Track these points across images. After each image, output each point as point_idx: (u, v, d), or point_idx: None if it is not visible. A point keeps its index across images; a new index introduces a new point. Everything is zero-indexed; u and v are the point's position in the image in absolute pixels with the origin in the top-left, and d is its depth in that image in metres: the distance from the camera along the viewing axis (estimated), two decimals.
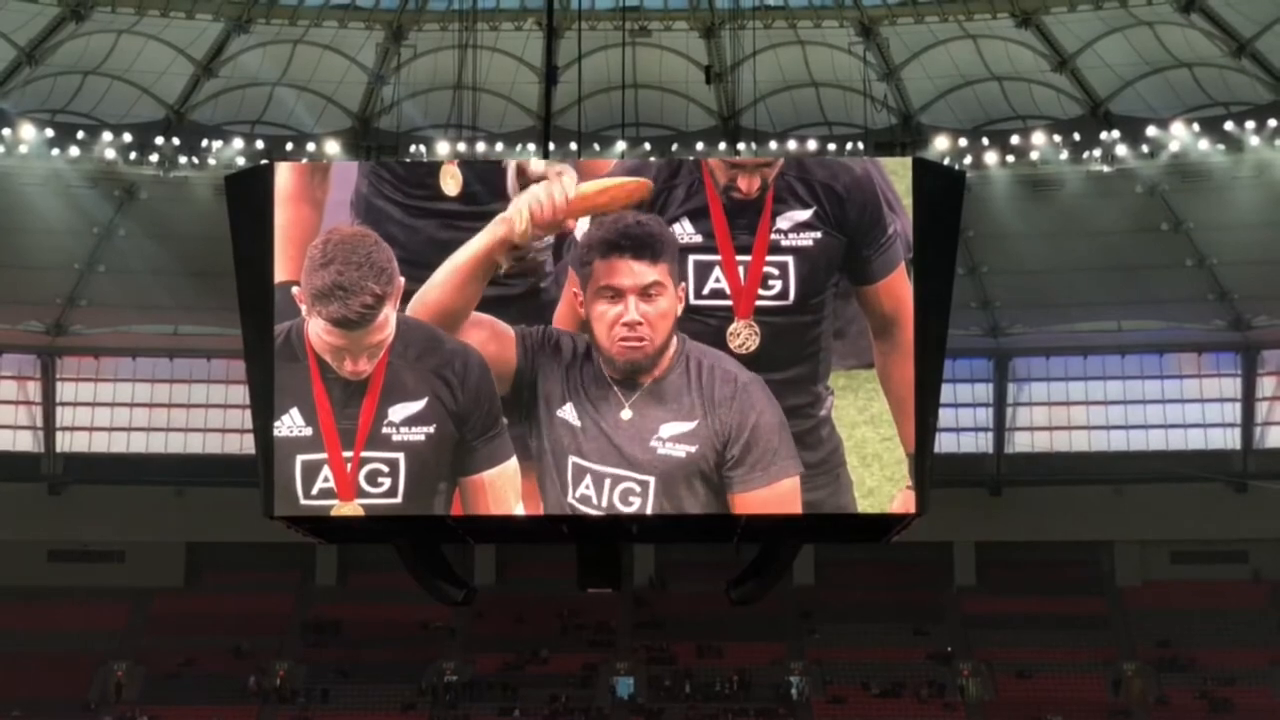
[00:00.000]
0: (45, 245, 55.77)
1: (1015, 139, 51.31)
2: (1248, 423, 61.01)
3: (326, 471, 18.21)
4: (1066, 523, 60.98)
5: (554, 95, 35.28)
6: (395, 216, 18.28)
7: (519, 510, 18.26)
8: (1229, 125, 49.74)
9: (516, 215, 18.00)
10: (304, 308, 17.94)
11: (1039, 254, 56.06)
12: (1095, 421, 62.20)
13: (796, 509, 18.07)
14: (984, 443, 62.41)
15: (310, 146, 50.95)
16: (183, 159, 51.76)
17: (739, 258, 18.11)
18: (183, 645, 59.62)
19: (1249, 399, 60.92)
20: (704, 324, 18.07)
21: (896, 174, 18.53)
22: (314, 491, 18.27)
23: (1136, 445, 61.54)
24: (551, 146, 36.94)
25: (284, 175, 18.54)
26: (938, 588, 63.02)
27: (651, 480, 18.01)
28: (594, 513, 18.11)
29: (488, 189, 18.23)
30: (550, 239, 18.11)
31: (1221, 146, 50.32)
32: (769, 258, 18.12)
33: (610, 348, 17.81)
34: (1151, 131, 50.60)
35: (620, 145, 49.20)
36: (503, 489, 18.18)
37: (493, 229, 17.96)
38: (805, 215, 18.19)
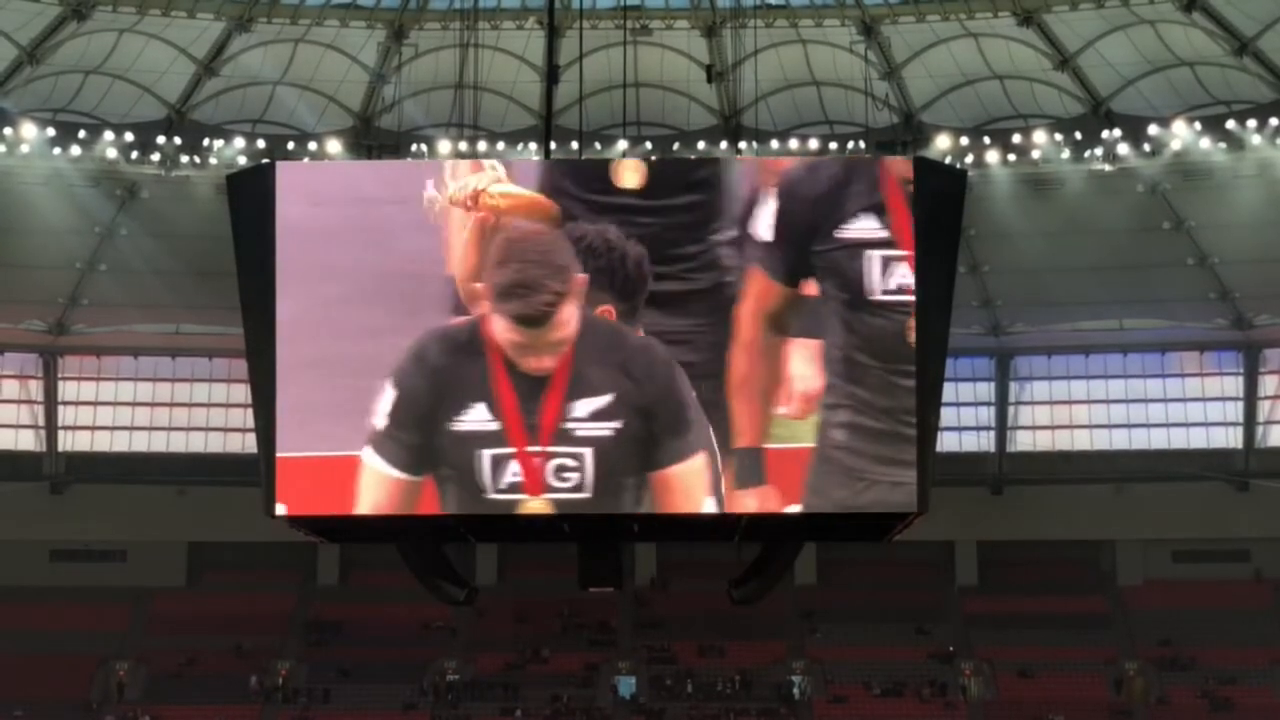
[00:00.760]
0: (47, 244, 55.76)
1: (1017, 138, 51.26)
2: (1249, 421, 60.99)
3: (515, 466, 18.22)
4: (1068, 522, 60.98)
5: (555, 94, 35.12)
6: (576, 213, 18.44)
7: (708, 507, 18.36)
8: (1231, 124, 49.68)
9: (456, 186, 18.34)
10: (483, 304, 18.02)
11: (1040, 253, 56.01)
12: (1097, 420, 62.21)
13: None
14: (985, 441, 62.41)
15: (312, 146, 50.94)
16: (184, 158, 51.72)
17: None
18: (184, 645, 59.63)
19: (1251, 398, 60.90)
20: (885, 319, 18.20)
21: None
22: (502, 485, 18.28)
23: (1138, 444, 61.55)
24: (553, 145, 36.83)
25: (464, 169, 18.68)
26: (939, 587, 63.03)
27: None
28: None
29: (671, 182, 18.54)
30: (732, 233, 18.31)
31: (1223, 145, 50.27)
32: None
33: None
34: (1153, 130, 50.54)
35: (621, 144, 49.18)
36: (691, 484, 18.25)
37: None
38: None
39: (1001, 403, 62.12)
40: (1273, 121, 49.22)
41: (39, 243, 55.46)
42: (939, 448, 19.38)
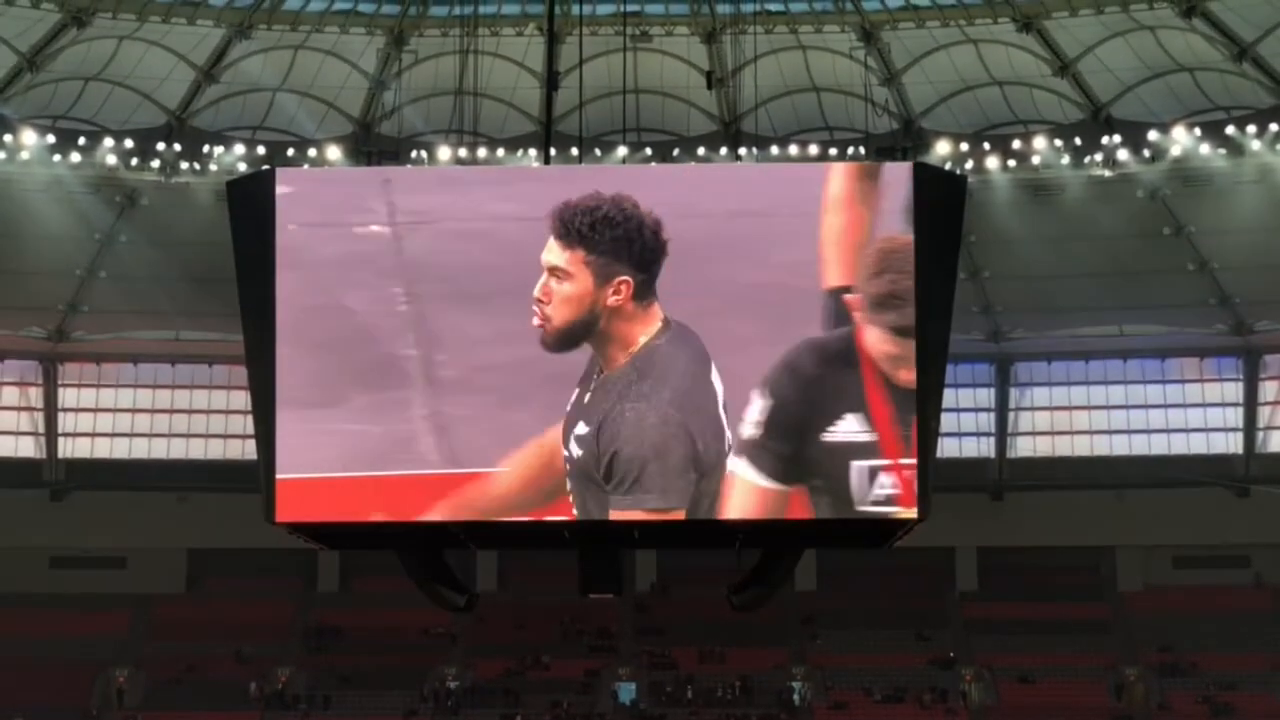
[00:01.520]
0: (47, 251, 55.77)
1: (1017, 143, 51.34)
2: (1249, 427, 60.95)
3: (889, 479, 18.10)
4: (1068, 527, 60.92)
5: (555, 100, 35.15)
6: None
7: None
8: (1230, 130, 49.79)
9: None
10: (858, 314, 17.93)
11: (1040, 258, 56.01)
12: (1097, 426, 62.16)
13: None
14: (986, 447, 62.36)
15: (311, 152, 50.96)
16: (184, 165, 51.78)
17: None
18: (184, 651, 59.59)
19: (1251, 403, 60.86)
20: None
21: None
22: (874, 496, 18.14)
23: (1138, 450, 61.49)
24: (553, 152, 36.84)
25: (838, 178, 18.55)
26: (939, 593, 62.98)
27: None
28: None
29: None
30: None
31: (1223, 151, 50.36)
32: None
33: None
34: (1153, 136, 50.62)
35: (621, 150, 49.21)
36: None
37: None
38: None
39: (1002, 408, 62.09)
40: (1272, 127, 49.28)
41: (39, 249, 55.48)
42: (939, 453, 19.30)
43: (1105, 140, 50.96)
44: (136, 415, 62.49)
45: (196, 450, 62.39)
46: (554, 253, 17.81)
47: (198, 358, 61.48)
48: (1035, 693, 57.84)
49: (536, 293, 17.83)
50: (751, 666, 59.43)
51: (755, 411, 17.99)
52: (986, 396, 62.13)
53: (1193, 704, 57.28)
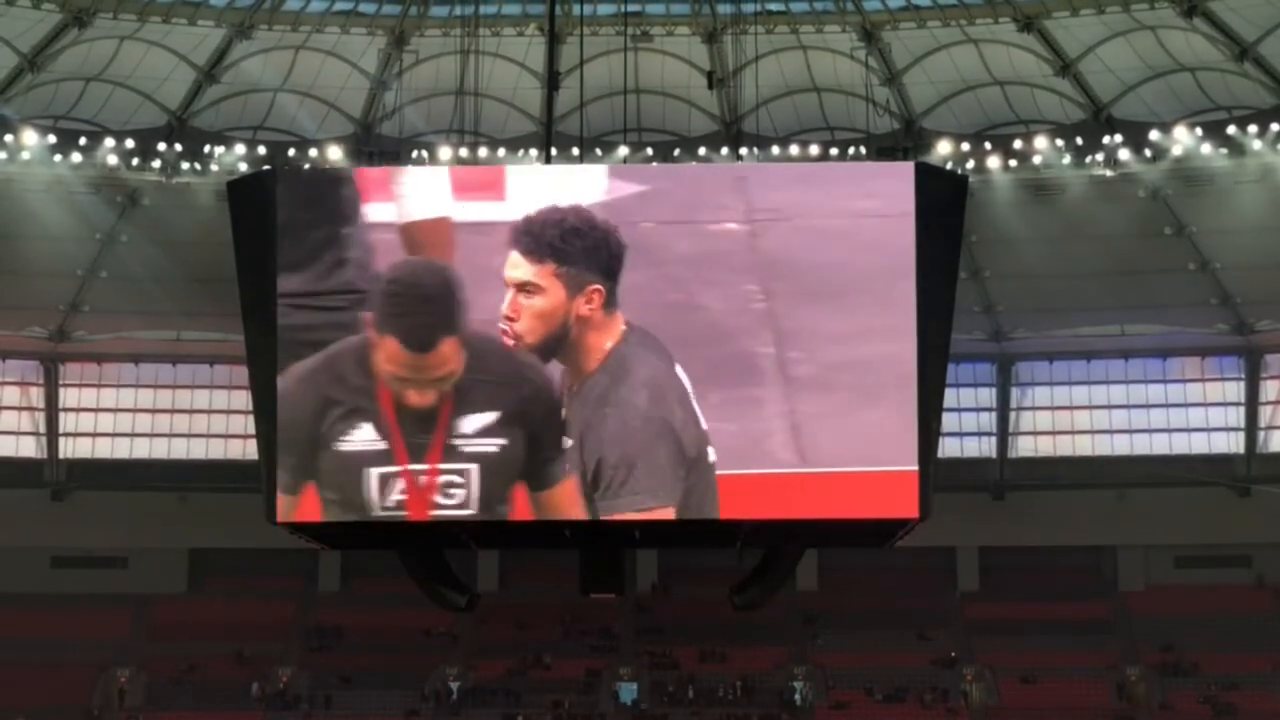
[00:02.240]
0: (48, 251, 55.80)
1: (1018, 143, 51.31)
2: (1251, 427, 60.94)
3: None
4: (1069, 527, 60.89)
5: (556, 101, 35.17)
6: None
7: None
8: (1231, 129, 49.75)
9: None
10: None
11: (1042, 258, 56.02)
12: (1098, 426, 62.16)
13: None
14: (987, 447, 62.36)
15: (312, 152, 50.96)
16: (185, 165, 51.78)
17: None
18: (185, 651, 59.56)
19: (1252, 403, 60.84)
20: None
21: None
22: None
23: (1140, 449, 61.47)
24: (554, 152, 36.83)
25: None
26: (941, 593, 62.95)
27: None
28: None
29: None
30: None
31: (1224, 151, 50.32)
32: None
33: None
34: (1154, 136, 50.58)
35: (622, 150, 49.20)
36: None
37: None
38: None
39: (1003, 408, 62.08)
40: (1274, 127, 49.25)
41: (40, 249, 55.49)
42: (940, 453, 19.29)
43: (1106, 140, 50.93)
44: (137, 415, 62.51)
45: (197, 450, 62.41)
46: (521, 268, 17.89)
47: (199, 358, 61.52)
48: (1036, 692, 57.82)
49: (505, 310, 17.85)
50: (753, 666, 59.41)
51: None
52: (988, 396, 62.13)
53: (1194, 704, 57.23)
